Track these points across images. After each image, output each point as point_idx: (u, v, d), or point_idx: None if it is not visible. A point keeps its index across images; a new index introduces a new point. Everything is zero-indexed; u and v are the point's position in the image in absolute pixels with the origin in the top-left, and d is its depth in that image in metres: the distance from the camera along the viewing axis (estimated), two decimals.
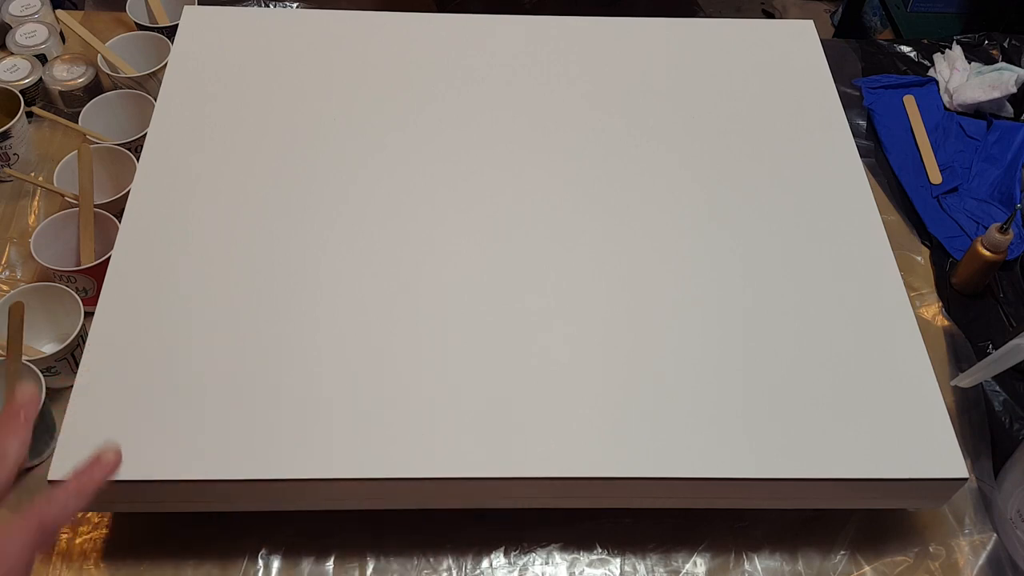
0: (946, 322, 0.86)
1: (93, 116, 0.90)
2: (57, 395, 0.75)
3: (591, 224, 0.76)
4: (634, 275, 0.73)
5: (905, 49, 1.11)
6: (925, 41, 1.11)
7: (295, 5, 1.23)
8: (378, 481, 0.63)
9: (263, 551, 0.69)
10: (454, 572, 0.69)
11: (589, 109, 0.85)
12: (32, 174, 0.90)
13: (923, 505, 0.72)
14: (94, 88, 0.95)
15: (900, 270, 0.75)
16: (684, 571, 0.70)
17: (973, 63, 1.06)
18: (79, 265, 0.81)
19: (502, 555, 0.70)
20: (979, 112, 1.04)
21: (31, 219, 0.88)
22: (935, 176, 0.97)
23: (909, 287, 0.87)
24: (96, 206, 0.81)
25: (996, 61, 1.09)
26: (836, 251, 0.76)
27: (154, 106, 0.82)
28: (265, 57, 0.87)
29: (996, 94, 1.01)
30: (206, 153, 0.79)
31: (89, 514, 0.70)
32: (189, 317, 0.69)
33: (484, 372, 0.67)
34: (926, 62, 1.09)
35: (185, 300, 0.70)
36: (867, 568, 0.71)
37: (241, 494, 0.64)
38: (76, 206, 0.81)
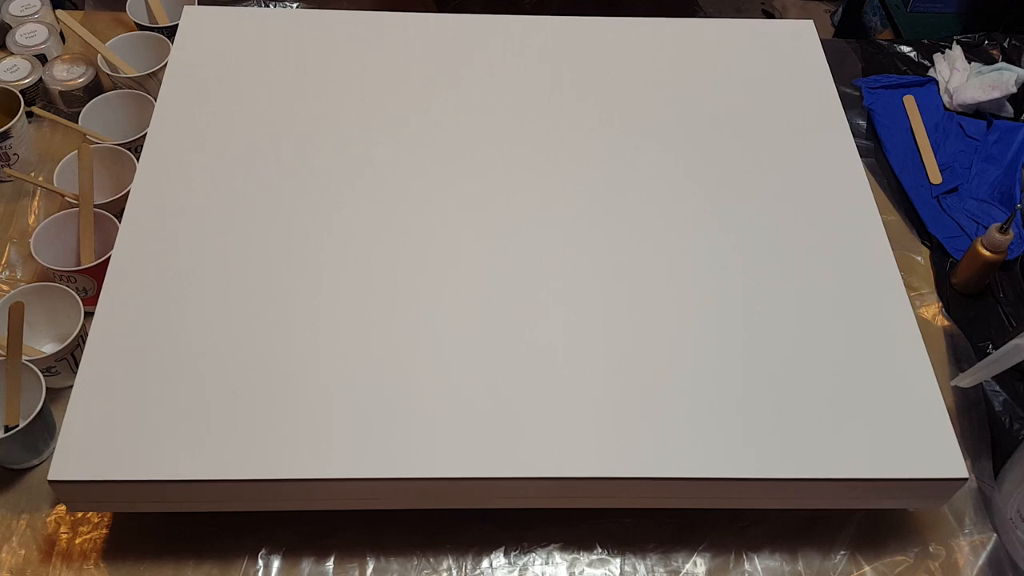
0: (946, 322, 0.86)
1: (93, 116, 0.90)
2: (57, 395, 0.75)
3: (592, 224, 0.76)
4: (634, 276, 0.73)
5: (905, 49, 1.11)
6: (925, 41, 1.11)
7: (295, 5, 1.23)
8: (378, 481, 0.63)
9: (263, 551, 0.69)
10: (454, 572, 0.69)
11: (589, 109, 0.85)
12: (32, 174, 0.90)
13: (923, 505, 0.72)
14: (94, 88, 0.95)
15: (900, 270, 0.75)
16: (684, 571, 0.70)
17: (973, 63, 1.06)
18: (79, 265, 0.81)
19: (502, 555, 0.70)
20: (979, 112, 1.04)
21: (31, 219, 0.88)
22: (935, 176, 0.97)
23: (909, 287, 0.87)
24: (96, 206, 0.81)
25: (996, 61, 1.09)
26: (836, 251, 0.76)
27: (154, 106, 0.82)
28: (265, 57, 0.87)
29: (996, 94, 1.01)
30: (206, 153, 0.79)
31: (89, 514, 0.70)
32: (189, 317, 0.69)
33: (484, 373, 0.67)
34: (926, 62, 1.09)
35: (185, 300, 0.70)
36: (867, 568, 0.71)
37: (241, 494, 0.64)
38: (76, 206, 0.81)
